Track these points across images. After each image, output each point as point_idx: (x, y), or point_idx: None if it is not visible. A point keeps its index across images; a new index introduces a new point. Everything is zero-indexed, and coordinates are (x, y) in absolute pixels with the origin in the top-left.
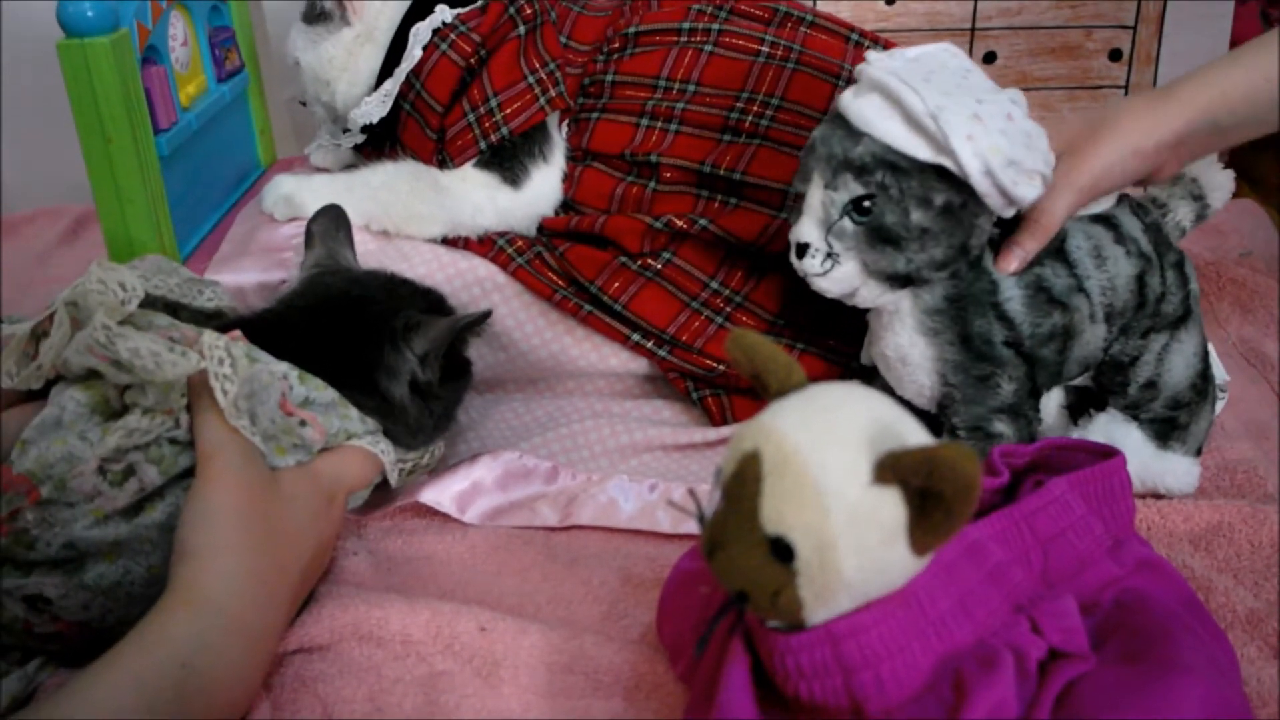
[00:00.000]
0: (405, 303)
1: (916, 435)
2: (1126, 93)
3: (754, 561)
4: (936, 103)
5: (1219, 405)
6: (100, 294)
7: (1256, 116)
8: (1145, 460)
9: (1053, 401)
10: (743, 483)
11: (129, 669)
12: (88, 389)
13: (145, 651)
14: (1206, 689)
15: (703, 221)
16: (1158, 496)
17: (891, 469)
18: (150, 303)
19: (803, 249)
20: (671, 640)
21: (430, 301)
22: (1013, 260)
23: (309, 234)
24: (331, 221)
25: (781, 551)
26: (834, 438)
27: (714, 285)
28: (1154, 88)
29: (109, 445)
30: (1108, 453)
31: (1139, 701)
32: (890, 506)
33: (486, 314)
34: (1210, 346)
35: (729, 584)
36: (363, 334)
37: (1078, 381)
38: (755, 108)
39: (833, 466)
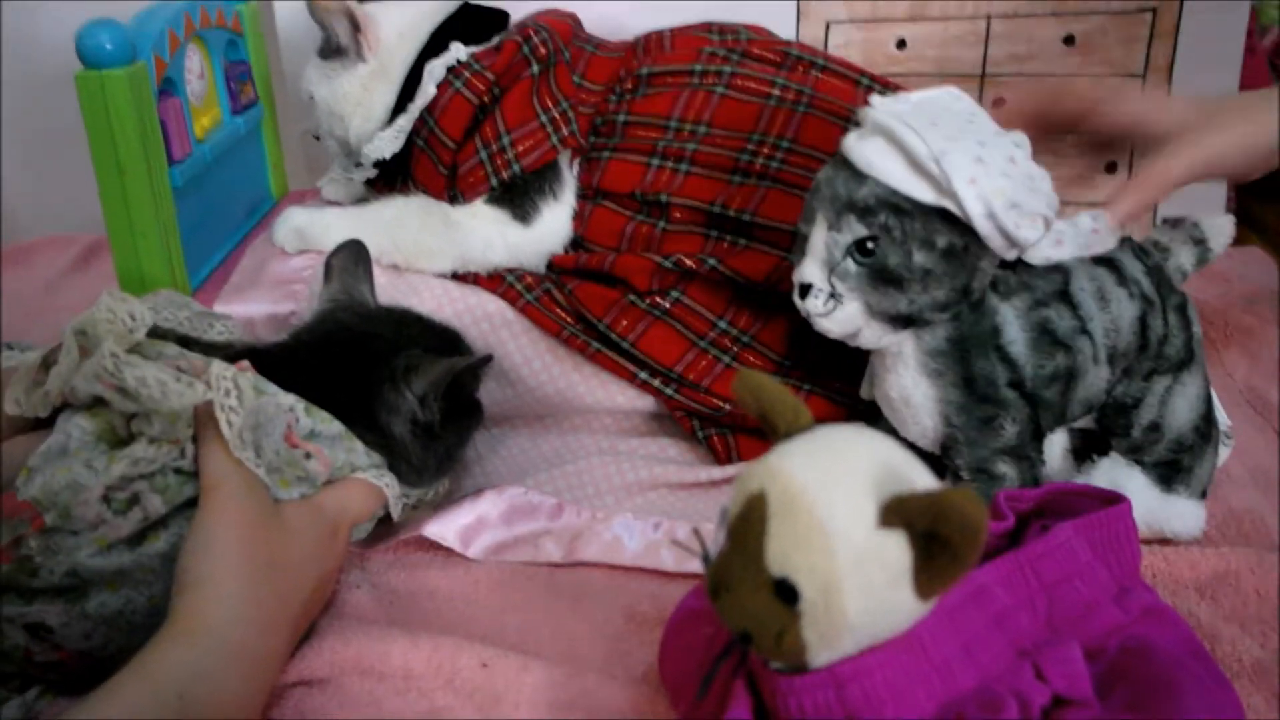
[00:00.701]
0: (413, 341)
1: (923, 479)
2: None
3: (759, 603)
4: (940, 146)
5: (1224, 452)
6: (109, 323)
7: None
8: (1150, 504)
9: (1057, 445)
10: (748, 523)
11: (126, 699)
12: (94, 417)
13: (143, 681)
14: None
15: (711, 261)
16: (1164, 542)
17: (897, 512)
18: (161, 335)
19: (806, 289)
20: (673, 680)
21: (444, 340)
22: (1117, 213)
23: (328, 267)
24: (351, 256)
25: (786, 593)
26: (840, 480)
27: (722, 325)
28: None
29: (114, 474)
30: (1113, 499)
31: None
32: (895, 550)
33: (487, 359)
34: (1214, 393)
35: (733, 625)
36: (366, 370)
37: (1081, 424)
38: (766, 150)
39: (839, 508)
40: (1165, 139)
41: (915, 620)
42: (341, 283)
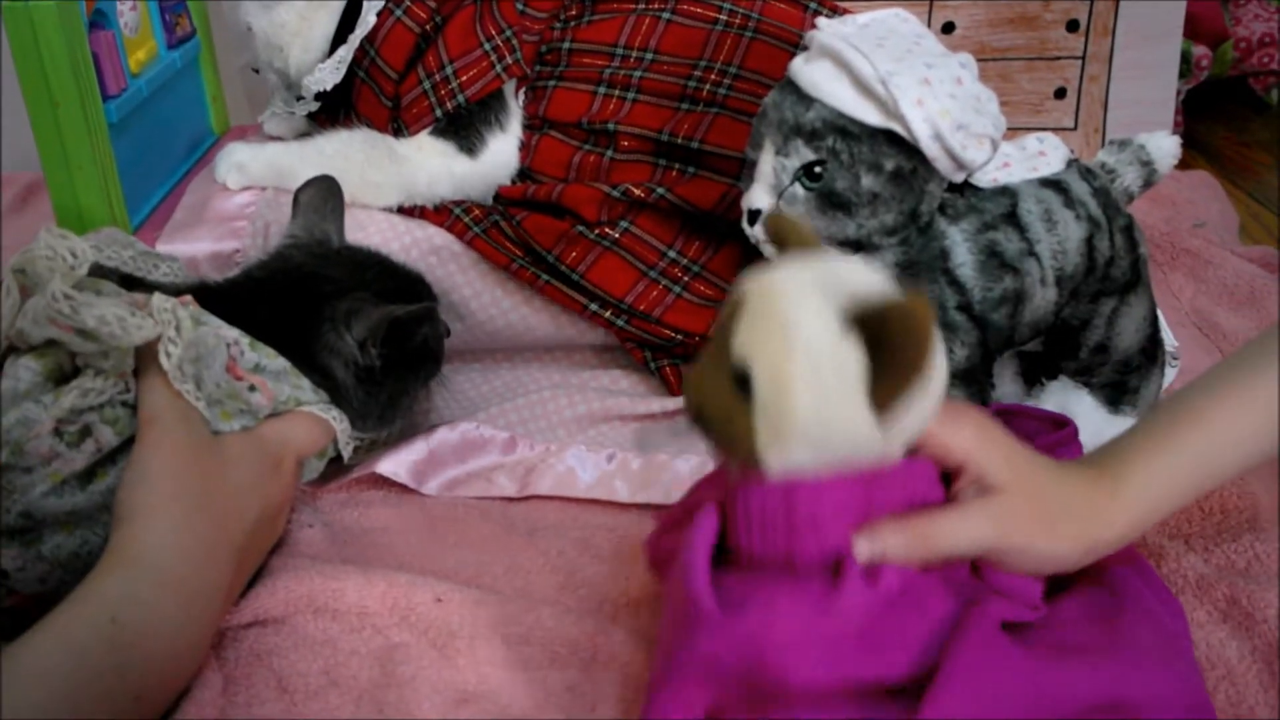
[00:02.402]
0: (365, 284)
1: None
2: (1083, 64)
3: (716, 386)
4: (886, 68)
5: (1171, 373)
6: (49, 260)
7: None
8: (1098, 425)
9: (1006, 369)
10: (726, 320)
11: (58, 627)
12: (41, 357)
13: (76, 607)
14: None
15: (660, 190)
16: None
17: (855, 318)
18: (103, 274)
19: (754, 215)
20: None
21: (402, 285)
22: (865, 551)
23: (295, 202)
24: (320, 193)
25: (742, 381)
26: (815, 286)
27: (672, 254)
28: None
29: (64, 406)
30: (1059, 421)
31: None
32: (851, 357)
33: (427, 308)
34: (1161, 315)
35: (692, 401)
36: (311, 311)
37: (1029, 348)
38: (713, 76)
39: (804, 308)
40: (980, 492)
41: (874, 454)
42: (305, 219)
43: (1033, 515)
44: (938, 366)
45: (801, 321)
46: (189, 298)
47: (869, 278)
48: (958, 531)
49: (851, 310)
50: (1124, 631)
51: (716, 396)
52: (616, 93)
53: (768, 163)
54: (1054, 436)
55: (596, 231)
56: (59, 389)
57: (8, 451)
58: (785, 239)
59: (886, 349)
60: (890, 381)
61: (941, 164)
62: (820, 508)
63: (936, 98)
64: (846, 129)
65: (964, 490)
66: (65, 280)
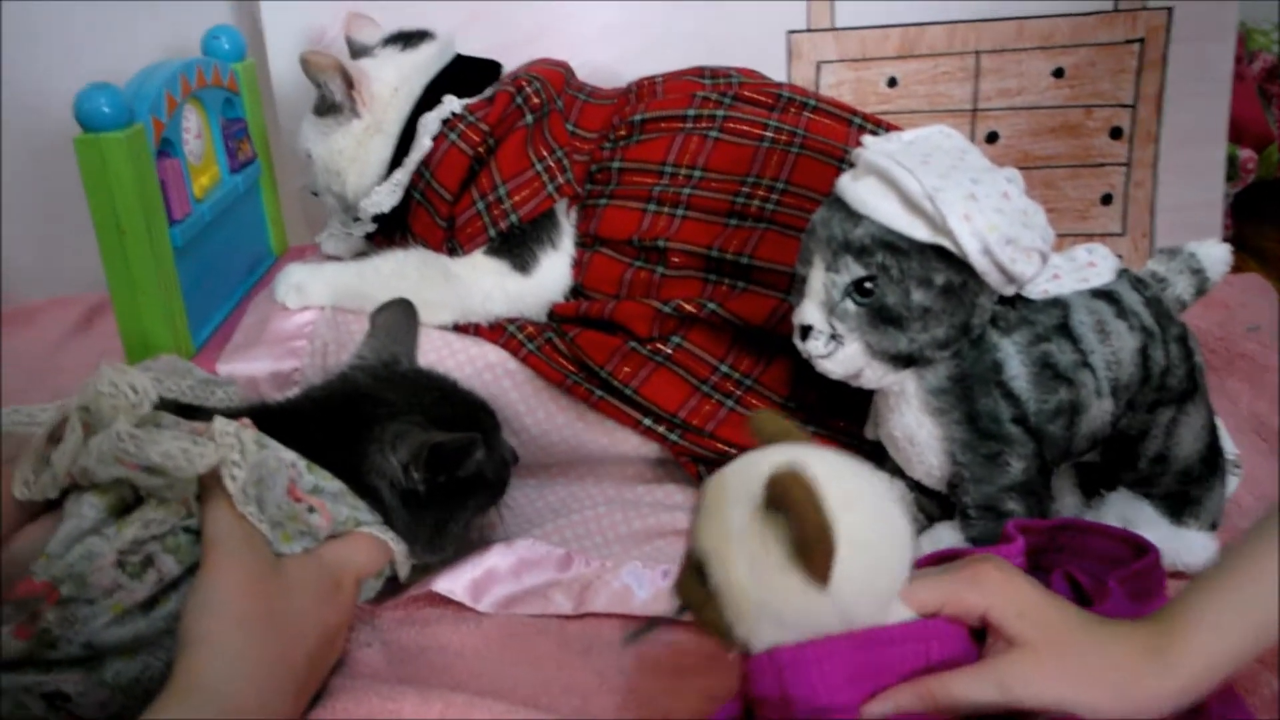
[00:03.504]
0: (420, 408)
1: (831, 476)
2: (1129, 170)
3: (687, 580)
4: (932, 184)
5: (1233, 482)
6: (111, 397)
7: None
8: (1160, 537)
9: (1065, 480)
10: (692, 518)
11: None
12: (103, 493)
13: None
14: None
15: (711, 305)
16: (1175, 575)
17: (766, 494)
18: (162, 405)
19: (806, 331)
20: None
21: (460, 410)
22: (873, 708)
23: (371, 322)
24: (394, 315)
25: (701, 572)
26: (746, 472)
27: (724, 369)
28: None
29: (126, 537)
30: (1130, 539)
31: None
32: (775, 532)
33: (469, 438)
34: (1220, 422)
35: (678, 596)
36: (361, 433)
37: (1087, 459)
38: (761, 192)
39: (734, 494)
40: (1002, 647)
41: (837, 624)
42: (376, 341)
43: (1061, 671)
44: (853, 526)
45: (726, 508)
46: (248, 421)
47: (784, 458)
48: (968, 690)
49: (765, 487)
50: None
51: (691, 589)
52: (666, 210)
53: (818, 279)
54: (1137, 565)
55: (649, 347)
56: (121, 520)
57: (71, 584)
58: (766, 434)
59: (789, 521)
60: (803, 550)
61: (991, 278)
62: (806, 672)
63: (983, 212)
64: (895, 245)
65: (994, 646)
66: (129, 418)
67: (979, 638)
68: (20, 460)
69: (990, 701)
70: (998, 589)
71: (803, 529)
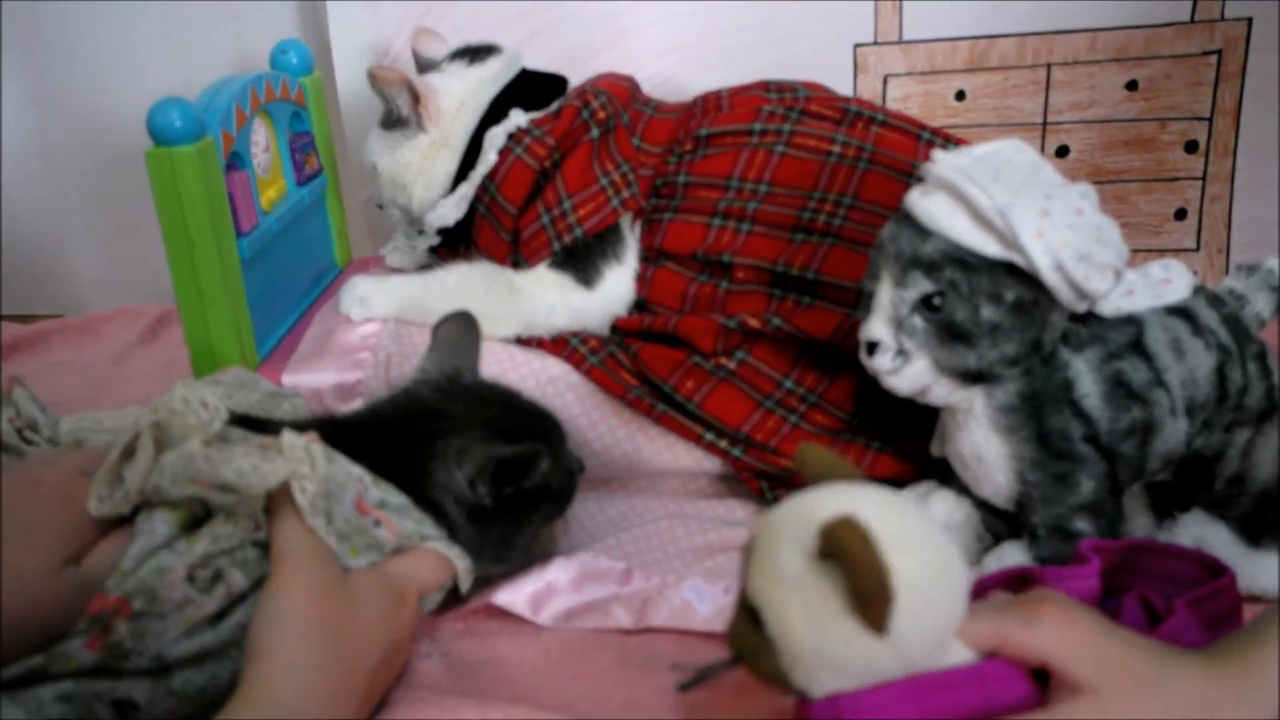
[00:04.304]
0: (485, 422)
1: (883, 519)
2: (1204, 184)
3: (741, 628)
4: (1004, 199)
5: None
6: (183, 414)
7: None
8: (1235, 559)
9: (1136, 500)
10: (744, 563)
11: None
12: (174, 509)
13: None
14: None
15: (776, 321)
16: (1251, 599)
17: (820, 543)
18: (231, 419)
19: (873, 347)
20: None
21: (526, 424)
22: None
23: (433, 336)
24: (456, 328)
25: (756, 619)
26: (798, 517)
27: (788, 384)
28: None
29: (197, 553)
30: (1206, 561)
31: None
32: (831, 579)
33: (533, 449)
34: None
35: (733, 644)
36: (425, 447)
37: (1159, 478)
38: (828, 207)
39: (787, 540)
40: (1070, 690)
41: (897, 671)
42: (439, 355)
43: (1131, 713)
44: (909, 572)
45: (780, 555)
46: (314, 434)
47: (840, 503)
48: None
49: (818, 534)
50: None
51: (745, 635)
52: (731, 224)
53: (886, 294)
54: (1209, 587)
55: (712, 362)
56: (191, 535)
57: (143, 599)
58: (814, 470)
59: (843, 568)
60: (859, 596)
61: (1064, 295)
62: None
63: (1056, 229)
64: (965, 260)
65: (1059, 690)
66: (200, 436)
67: (1041, 677)
68: (96, 476)
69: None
70: (1056, 631)
71: (861, 580)
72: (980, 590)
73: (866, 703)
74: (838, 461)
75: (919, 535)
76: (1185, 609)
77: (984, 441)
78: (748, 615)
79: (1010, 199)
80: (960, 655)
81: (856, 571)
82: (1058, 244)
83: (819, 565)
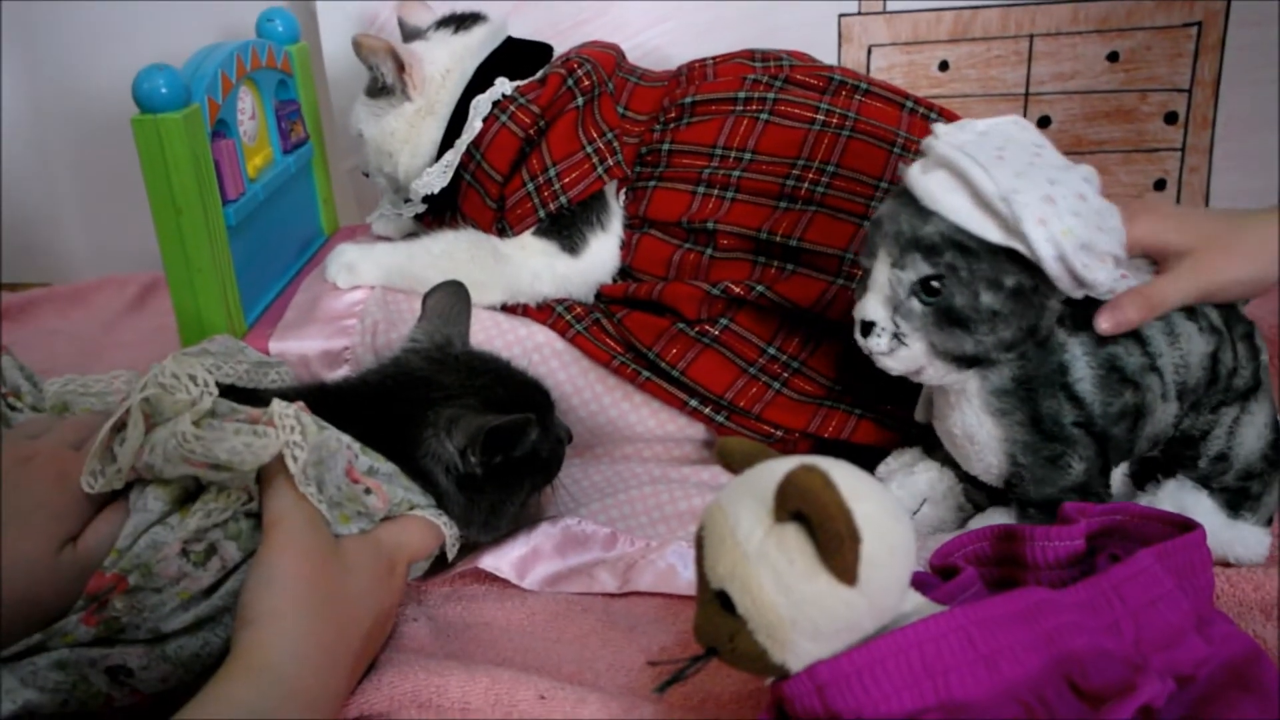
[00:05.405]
0: (474, 391)
1: (833, 473)
2: (1183, 155)
3: (710, 616)
4: (1008, 185)
5: None
6: (172, 390)
7: None
8: (1215, 529)
9: (1118, 469)
10: (698, 554)
11: None
12: (166, 485)
13: (205, 715)
14: None
15: (759, 288)
16: (1226, 565)
17: (777, 503)
18: (219, 390)
19: (868, 327)
20: None
21: (515, 393)
22: (1109, 323)
23: (423, 306)
24: (446, 297)
25: (726, 602)
26: (746, 492)
27: (771, 351)
28: None
29: (190, 527)
30: (1184, 524)
31: None
32: (794, 540)
33: (524, 418)
34: None
35: (701, 641)
36: (415, 417)
37: (1147, 455)
38: (811, 175)
39: (742, 515)
40: (1175, 258)
41: (879, 612)
42: (430, 324)
43: (1221, 256)
44: (868, 516)
45: (743, 528)
46: (302, 404)
47: (787, 465)
48: (1172, 290)
49: (774, 497)
50: None
51: (715, 626)
52: (716, 192)
53: (883, 274)
54: (1180, 540)
55: (696, 329)
56: (184, 509)
57: (138, 574)
58: (739, 458)
59: (809, 521)
60: (826, 550)
61: (1063, 283)
62: (848, 685)
63: (1060, 216)
64: (966, 245)
65: (1169, 261)
66: (190, 414)
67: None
68: (90, 455)
69: (1192, 295)
70: (1151, 219)
71: (830, 524)
72: (965, 545)
73: (842, 667)
74: (761, 447)
75: (869, 484)
76: (1152, 556)
77: (976, 423)
78: (715, 603)
79: (1014, 184)
80: (915, 601)
81: (824, 514)
82: (1060, 232)
83: (780, 531)
